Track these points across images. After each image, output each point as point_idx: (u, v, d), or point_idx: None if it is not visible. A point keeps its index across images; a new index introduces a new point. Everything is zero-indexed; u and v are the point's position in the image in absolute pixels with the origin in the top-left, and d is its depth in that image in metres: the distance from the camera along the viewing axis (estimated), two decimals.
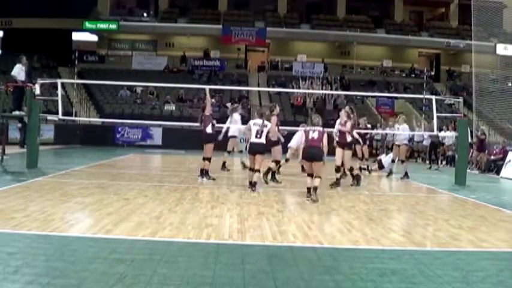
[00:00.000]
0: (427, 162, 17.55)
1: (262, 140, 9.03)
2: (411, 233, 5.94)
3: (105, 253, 4.52)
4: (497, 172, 15.19)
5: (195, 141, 19.16)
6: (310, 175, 8.36)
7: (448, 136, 17.19)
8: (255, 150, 9.04)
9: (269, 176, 10.26)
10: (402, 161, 12.87)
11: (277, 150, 10.37)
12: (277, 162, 10.44)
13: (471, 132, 16.57)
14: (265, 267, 4.26)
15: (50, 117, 15.24)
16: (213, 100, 26.12)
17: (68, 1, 31.08)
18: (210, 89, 25.78)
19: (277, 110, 10.45)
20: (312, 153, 8.31)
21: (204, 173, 10.40)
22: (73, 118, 20.97)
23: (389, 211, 7.53)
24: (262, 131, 9.01)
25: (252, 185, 9.03)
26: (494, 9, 21.19)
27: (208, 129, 10.19)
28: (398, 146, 12.98)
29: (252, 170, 9.17)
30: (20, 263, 4.09)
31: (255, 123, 9.19)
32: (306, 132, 8.45)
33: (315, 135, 8.31)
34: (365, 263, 4.53)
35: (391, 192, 10.48)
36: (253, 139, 9.06)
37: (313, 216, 6.84)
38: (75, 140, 21.94)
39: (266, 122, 9.19)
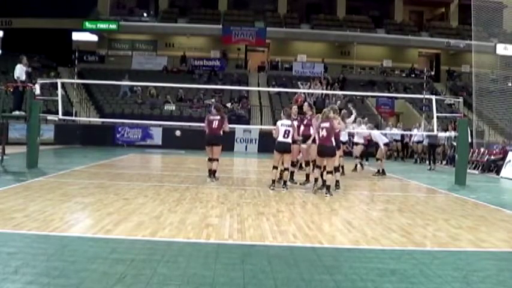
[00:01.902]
0: (427, 162, 17.56)
1: (289, 140, 9.38)
2: (411, 233, 5.94)
3: (105, 253, 4.52)
4: (497, 172, 15.19)
5: (196, 141, 19.18)
6: (319, 167, 8.95)
7: (441, 136, 17.31)
8: (283, 149, 9.37)
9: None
10: (356, 157, 14.24)
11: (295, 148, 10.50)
12: (293, 163, 10.47)
13: (471, 132, 16.58)
14: (265, 267, 4.26)
15: (50, 117, 15.25)
16: (212, 100, 26.26)
17: (67, 1, 31.06)
18: (210, 89, 26.10)
19: (293, 110, 10.52)
20: (322, 151, 8.85)
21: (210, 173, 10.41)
22: (73, 118, 20.95)
23: (389, 211, 7.53)
24: (289, 131, 9.32)
25: (283, 183, 9.45)
26: (494, 9, 21.18)
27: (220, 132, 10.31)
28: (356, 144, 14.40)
29: (276, 168, 9.55)
30: (20, 263, 4.09)
31: (283, 123, 9.45)
32: (317, 129, 8.95)
33: (324, 133, 8.78)
34: (365, 263, 4.54)
35: (391, 192, 10.48)
36: (281, 138, 9.34)
37: (313, 216, 6.85)
38: (75, 140, 21.96)
39: (293, 123, 9.60)
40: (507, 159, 15.01)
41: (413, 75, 31.80)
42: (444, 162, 18.41)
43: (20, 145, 17.44)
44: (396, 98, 26.59)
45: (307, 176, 10.25)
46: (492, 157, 16.07)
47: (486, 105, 21.52)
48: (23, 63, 12.56)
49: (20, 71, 12.38)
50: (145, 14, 32.88)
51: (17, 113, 12.64)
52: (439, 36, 31.73)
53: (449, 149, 18.45)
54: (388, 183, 12.13)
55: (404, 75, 32.28)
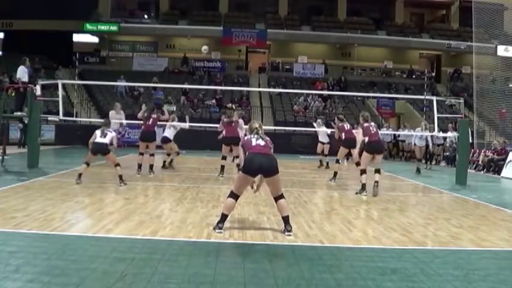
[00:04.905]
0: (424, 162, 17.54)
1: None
2: (412, 232, 5.93)
3: (105, 252, 4.52)
4: (498, 172, 15.20)
5: (196, 141, 19.15)
6: (365, 171, 9.33)
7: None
8: None
9: None
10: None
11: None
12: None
13: (472, 132, 16.61)
14: (266, 266, 4.25)
15: (50, 117, 15.27)
16: (213, 101, 26.28)
17: (68, 3, 31.08)
18: (211, 90, 26.16)
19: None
20: (378, 147, 9.48)
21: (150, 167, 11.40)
22: (74, 119, 20.97)
23: (390, 210, 7.52)
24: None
25: None
26: (495, 11, 21.19)
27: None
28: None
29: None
30: (20, 261, 4.09)
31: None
32: (367, 128, 9.47)
33: (374, 129, 9.53)
34: (366, 262, 4.53)
35: (392, 192, 10.46)
36: None
37: (314, 215, 6.85)
38: (75, 140, 21.93)
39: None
40: (508, 159, 15.01)
41: (414, 76, 31.79)
42: (433, 162, 18.44)
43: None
44: (397, 98, 26.55)
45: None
46: (496, 156, 16.04)
47: (487, 106, 21.55)
48: (26, 65, 12.60)
49: (21, 72, 12.41)
50: (146, 16, 32.90)
51: (18, 113, 12.67)
52: (440, 38, 31.72)
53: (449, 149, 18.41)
54: (389, 183, 12.12)
55: (405, 76, 32.27)
